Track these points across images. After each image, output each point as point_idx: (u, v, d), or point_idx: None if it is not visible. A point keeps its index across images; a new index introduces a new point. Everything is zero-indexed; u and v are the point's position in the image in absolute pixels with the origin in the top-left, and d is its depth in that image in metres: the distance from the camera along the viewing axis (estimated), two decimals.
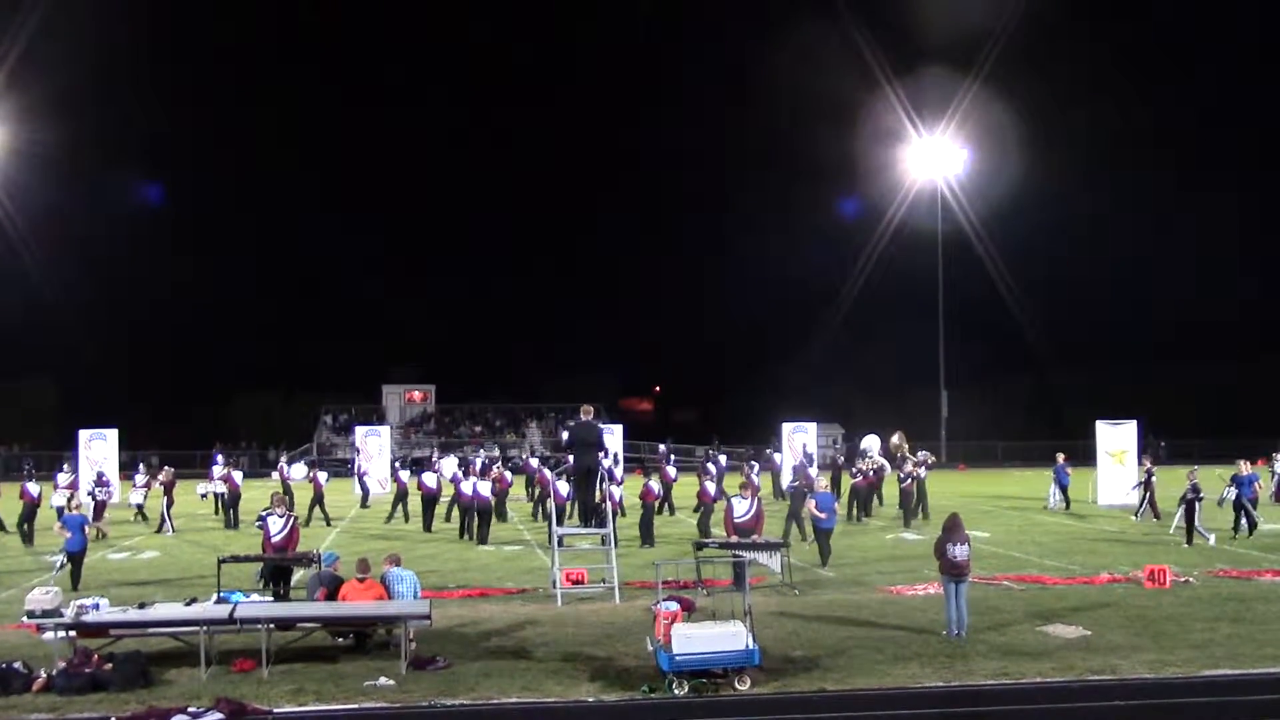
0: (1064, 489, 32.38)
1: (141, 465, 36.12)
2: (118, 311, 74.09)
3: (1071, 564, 20.53)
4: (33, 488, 26.58)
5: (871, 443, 34.84)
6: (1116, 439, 35.14)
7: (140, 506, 31.20)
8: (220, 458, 35.99)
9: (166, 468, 32.11)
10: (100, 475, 32.61)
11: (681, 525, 27.34)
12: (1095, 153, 75.50)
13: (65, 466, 33.58)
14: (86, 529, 19.67)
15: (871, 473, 30.56)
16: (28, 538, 25.32)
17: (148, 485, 31.87)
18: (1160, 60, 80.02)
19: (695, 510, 26.78)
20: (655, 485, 26.41)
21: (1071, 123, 75.65)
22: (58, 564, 18.85)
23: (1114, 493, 33.62)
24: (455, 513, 27.13)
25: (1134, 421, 35.91)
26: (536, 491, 31.71)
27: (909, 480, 28.34)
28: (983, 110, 66.43)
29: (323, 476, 31.27)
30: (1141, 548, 22.95)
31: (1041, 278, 72.72)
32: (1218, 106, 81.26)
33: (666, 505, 30.27)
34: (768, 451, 42.34)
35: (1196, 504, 23.13)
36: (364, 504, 35.20)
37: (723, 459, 35.95)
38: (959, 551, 13.97)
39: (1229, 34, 78.48)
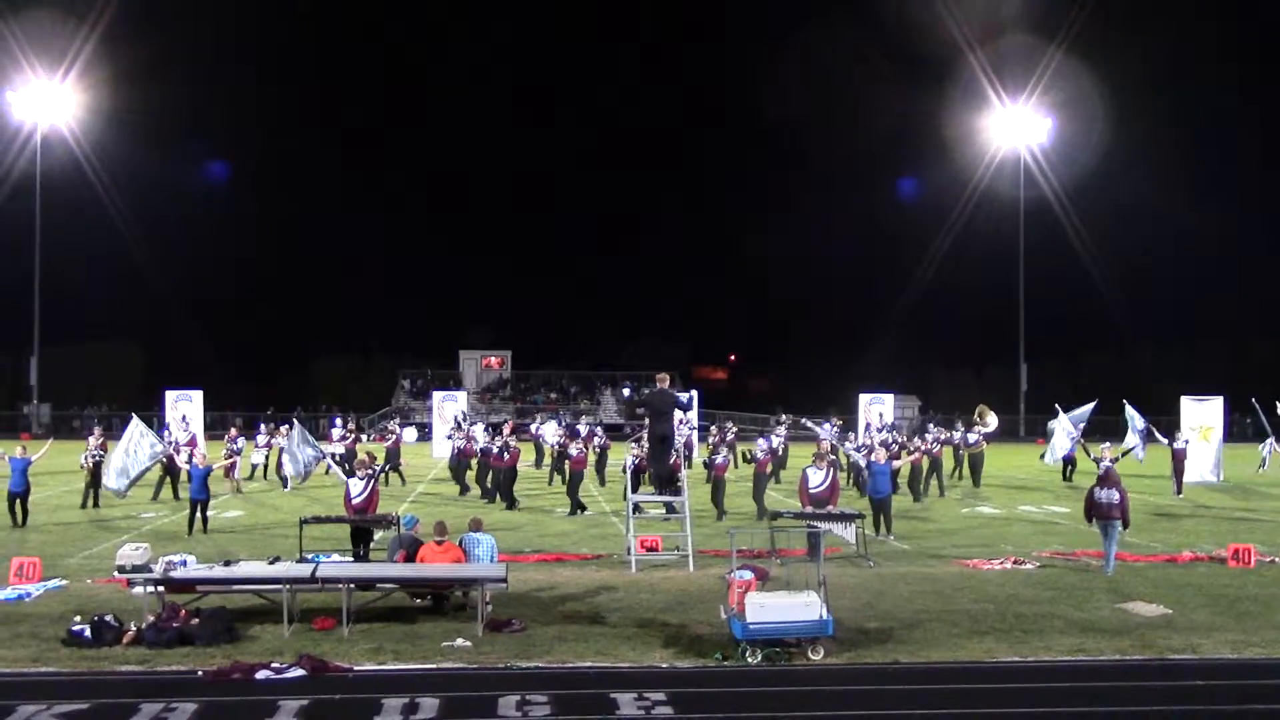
0: (1065, 460, 32.24)
1: (263, 425, 36.64)
2: (203, 274, 75.67)
3: (1153, 541, 20.20)
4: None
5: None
6: (1202, 415, 34.45)
7: (260, 466, 32.08)
8: (339, 420, 36.83)
9: (284, 426, 32.32)
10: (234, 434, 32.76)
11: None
12: (1183, 123, 73.56)
13: (186, 424, 34.10)
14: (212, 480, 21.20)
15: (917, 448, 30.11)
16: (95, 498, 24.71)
17: (268, 445, 32.46)
18: (1250, 29, 77.67)
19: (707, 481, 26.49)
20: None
21: (1158, 91, 73.70)
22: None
23: (1199, 469, 32.96)
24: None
25: (1219, 397, 35.15)
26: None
27: (916, 454, 27.55)
28: (1067, 78, 65.09)
29: (410, 435, 32.12)
30: (1225, 525, 22.51)
31: (1126, 250, 71.12)
32: None
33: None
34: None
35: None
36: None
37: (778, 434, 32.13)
38: (1102, 494, 16.48)
39: None
